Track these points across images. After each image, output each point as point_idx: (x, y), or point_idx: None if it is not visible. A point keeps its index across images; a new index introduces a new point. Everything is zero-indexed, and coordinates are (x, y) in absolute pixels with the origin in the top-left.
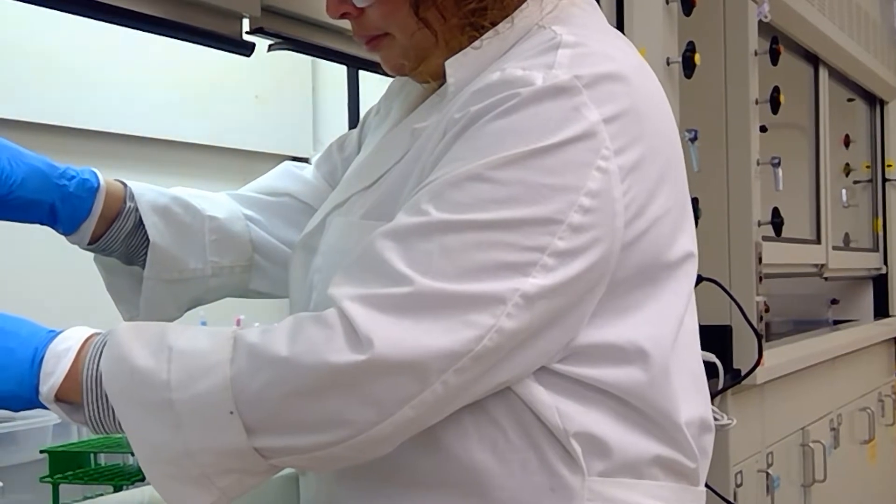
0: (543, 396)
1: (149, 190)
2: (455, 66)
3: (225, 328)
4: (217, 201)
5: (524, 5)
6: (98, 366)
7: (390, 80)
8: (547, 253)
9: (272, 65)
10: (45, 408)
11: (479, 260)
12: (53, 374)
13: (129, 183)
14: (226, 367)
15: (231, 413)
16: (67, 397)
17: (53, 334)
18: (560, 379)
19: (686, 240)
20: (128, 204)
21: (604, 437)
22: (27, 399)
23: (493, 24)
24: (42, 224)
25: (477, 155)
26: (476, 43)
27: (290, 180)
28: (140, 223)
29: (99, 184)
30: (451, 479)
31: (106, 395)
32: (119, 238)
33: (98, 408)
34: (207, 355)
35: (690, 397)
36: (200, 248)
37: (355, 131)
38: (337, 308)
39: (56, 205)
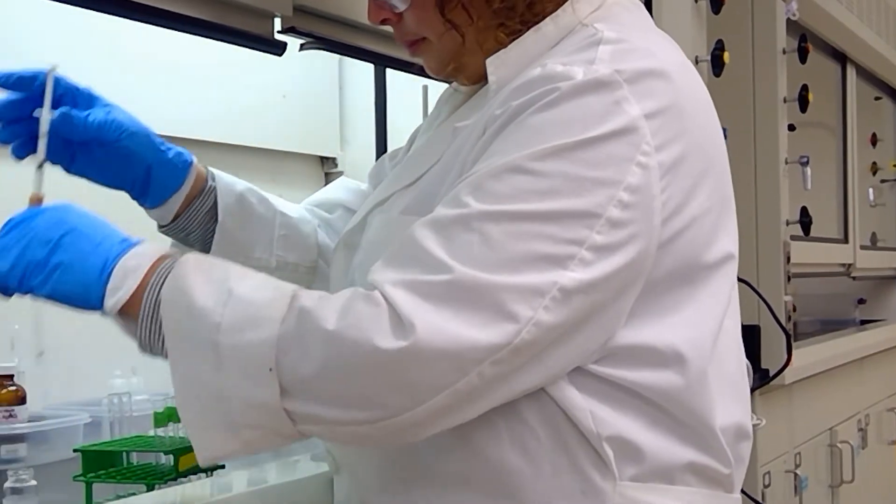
0: (577, 399)
1: (228, 175)
2: (496, 65)
3: (289, 284)
4: (289, 204)
5: (566, 4)
6: (160, 292)
7: (419, 79)
8: (585, 247)
9: (299, 64)
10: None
11: (518, 250)
12: (119, 290)
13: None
14: (276, 324)
15: (270, 370)
16: (128, 313)
17: (126, 246)
18: (594, 381)
19: (726, 241)
20: (209, 182)
21: (637, 441)
22: (92, 306)
23: (524, 24)
24: (132, 192)
25: (517, 148)
26: (518, 40)
27: (343, 191)
28: (216, 204)
29: (192, 159)
30: (482, 479)
31: (161, 323)
32: (198, 216)
33: (151, 332)
34: (262, 308)
35: (728, 403)
36: (268, 239)
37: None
38: (380, 291)
39: (153, 167)
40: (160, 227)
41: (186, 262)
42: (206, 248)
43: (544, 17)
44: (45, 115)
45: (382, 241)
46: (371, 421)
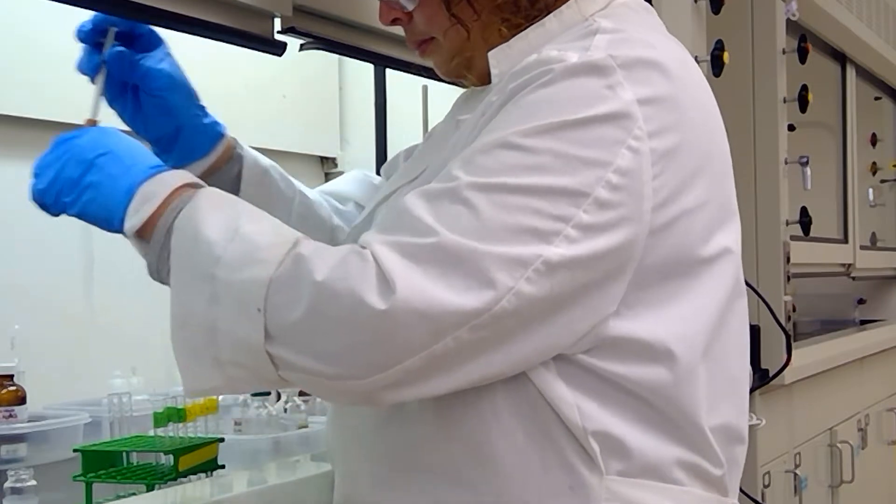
0: (565, 394)
1: (254, 151)
2: (499, 58)
3: (295, 232)
4: (307, 188)
5: (571, 1)
6: (174, 220)
7: (419, 79)
8: (571, 224)
9: (299, 64)
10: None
11: (504, 221)
12: (137, 214)
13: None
14: (272, 266)
15: (259, 310)
16: (143, 236)
17: (153, 172)
18: (582, 373)
19: (725, 238)
20: (236, 151)
21: (622, 437)
22: (114, 227)
23: (528, 19)
24: (156, 146)
25: (509, 125)
26: (520, 34)
27: (355, 186)
28: (240, 174)
29: (224, 132)
30: (471, 473)
31: (170, 250)
32: (221, 185)
33: (160, 258)
34: (263, 249)
35: (722, 403)
36: (286, 215)
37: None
38: (369, 250)
39: (183, 128)
40: None
41: (205, 195)
42: None
43: (548, 13)
44: (107, 47)
45: None
46: (346, 376)
